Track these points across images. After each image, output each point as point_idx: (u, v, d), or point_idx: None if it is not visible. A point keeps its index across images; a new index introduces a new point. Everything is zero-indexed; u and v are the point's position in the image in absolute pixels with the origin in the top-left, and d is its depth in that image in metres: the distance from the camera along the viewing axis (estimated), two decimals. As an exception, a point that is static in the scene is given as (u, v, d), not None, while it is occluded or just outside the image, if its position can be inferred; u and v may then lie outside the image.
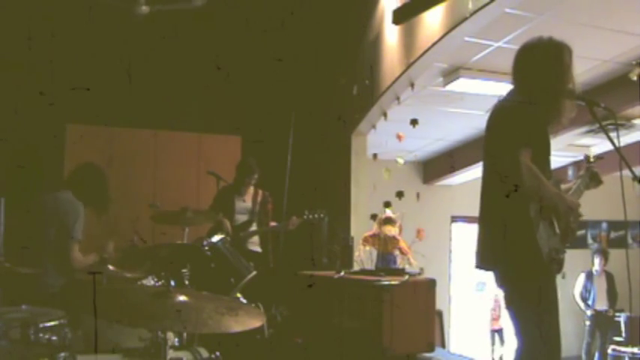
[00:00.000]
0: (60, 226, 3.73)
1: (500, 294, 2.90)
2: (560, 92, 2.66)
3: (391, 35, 5.41)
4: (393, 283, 3.92)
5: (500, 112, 2.71)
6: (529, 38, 2.80)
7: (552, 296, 2.62)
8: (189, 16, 5.74)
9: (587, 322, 8.12)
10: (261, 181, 5.58)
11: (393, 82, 5.32)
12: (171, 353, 2.35)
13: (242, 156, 6.24)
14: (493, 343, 8.41)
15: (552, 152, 2.79)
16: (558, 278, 2.67)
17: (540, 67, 2.67)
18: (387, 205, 5.24)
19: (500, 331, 8.24)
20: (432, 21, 4.51)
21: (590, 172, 2.94)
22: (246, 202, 5.47)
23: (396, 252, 5.28)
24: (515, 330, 2.67)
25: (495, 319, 8.27)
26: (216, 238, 3.93)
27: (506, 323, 8.10)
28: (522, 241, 2.54)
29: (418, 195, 6.99)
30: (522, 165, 2.47)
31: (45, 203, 3.86)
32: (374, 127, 6.40)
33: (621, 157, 2.71)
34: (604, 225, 9.83)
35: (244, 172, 5.41)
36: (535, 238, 2.50)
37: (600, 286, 8.17)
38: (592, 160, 3.00)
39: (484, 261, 2.71)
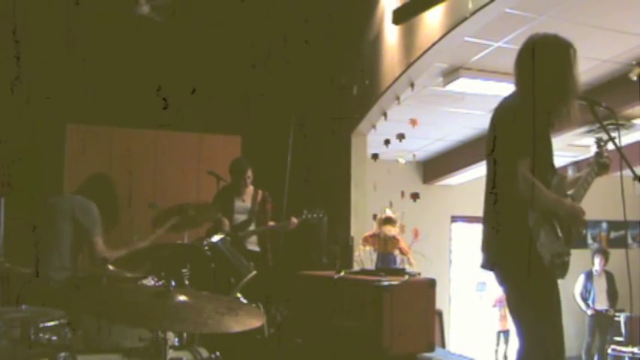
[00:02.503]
0: (77, 225, 3.79)
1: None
2: (570, 90, 2.62)
3: (391, 35, 5.41)
4: (393, 283, 3.92)
5: (502, 116, 2.67)
6: (531, 35, 2.75)
7: (554, 300, 2.61)
8: (188, 16, 5.74)
9: (588, 322, 8.12)
10: (261, 181, 5.58)
11: (393, 82, 5.31)
12: (171, 353, 2.35)
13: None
14: (498, 344, 8.39)
15: (553, 152, 2.78)
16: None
17: (548, 64, 2.62)
18: (415, 196, 5.17)
19: (506, 332, 8.21)
20: (432, 21, 4.51)
21: (597, 158, 2.88)
22: (245, 202, 5.48)
23: (396, 252, 5.28)
24: (517, 331, 2.67)
25: (504, 319, 8.21)
26: (216, 238, 3.92)
27: (512, 324, 8.06)
28: (522, 250, 2.52)
29: (413, 196, 6.99)
30: (519, 177, 2.46)
31: (57, 203, 3.92)
32: (374, 127, 6.40)
33: (622, 156, 2.71)
34: (604, 225, 9.83)
35: (237, 173, 5.43)
36: (535, 247, 2.49)
37: (600, 286, 8.16)
38: (603, 143, 2.91)
39: (487, 261, 2.70)
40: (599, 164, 2.87)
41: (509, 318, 2.83)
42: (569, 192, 2.76)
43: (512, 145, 2.53)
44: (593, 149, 2.99)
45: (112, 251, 3.85)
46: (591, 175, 2.84)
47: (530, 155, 2.50)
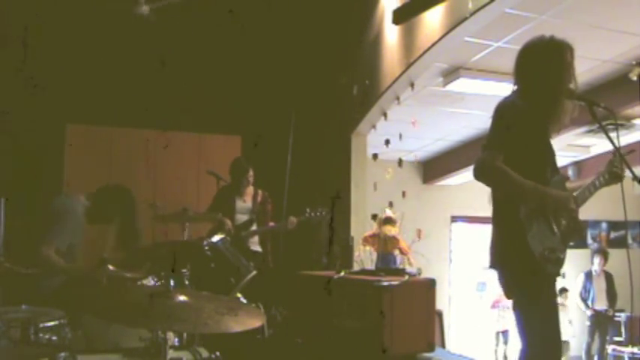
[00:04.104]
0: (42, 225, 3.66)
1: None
2: (560, 91, 2.64)
3: (391, 35, 5.41)
4: (393, 283, 3.92)
5: (493, 112, 2.68)
6: (529, 38, 2.79)
7: (549, 296, 2.61)
8: (188, 16, 5.74)
9: (587, 323, 8.12)
10: (261, 181, 5.58)
11: (393, 82, 5.32)
12: (171, 353, 2.35)
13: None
14: (497, 344, 8.38)
15: (554, 153, 2.78)
16: (558, 278, 2.66)
17: (540, 66, 2.65)
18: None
19: (505, 333, 8.21)
20: (432, 21, 4.51)
21: (610, 167, 2.82)
22: (246, 202, 5.48)
23: (396, 252, 5.28)
24: (518, 330, 2.67)
25: (502, 319, 8.19)
26: (216, 238, 3.92)
27: (510, 324, 8.06)
28: (513, 242, 2.53)
29: (406, 194, 7.00)
30: (484, 165, 2.49)
31: (50, 204, 3.86)
32: (374, 127, 6.40)
33: (621, 157, 2.71)
34: (604, 225, 9.83)
35: (239, 173, 5.42)
36: (525, 238, 2.48)
37: (599, 286, 8.17)
38: (618, 155, 2.81)
39: (490, 261, 2.71)
40: (611, 173, 2.81)
41: (508, 318, 2.82)
42: (574, 193, 2.75)
43: (489, 139, 2.57)
44: (594, 150, 2.99)
45: (56, 258, 3.49)
46: (600, 181, 2.80)
47: (502, 151, 2.50)
